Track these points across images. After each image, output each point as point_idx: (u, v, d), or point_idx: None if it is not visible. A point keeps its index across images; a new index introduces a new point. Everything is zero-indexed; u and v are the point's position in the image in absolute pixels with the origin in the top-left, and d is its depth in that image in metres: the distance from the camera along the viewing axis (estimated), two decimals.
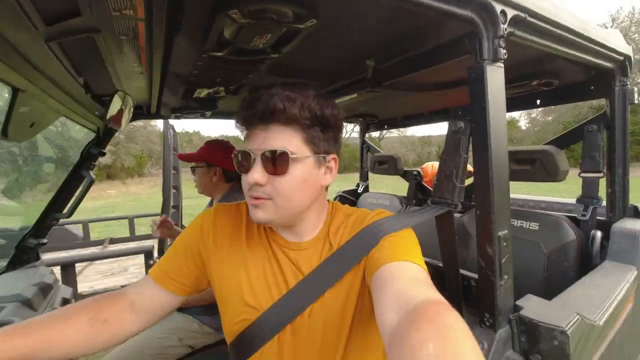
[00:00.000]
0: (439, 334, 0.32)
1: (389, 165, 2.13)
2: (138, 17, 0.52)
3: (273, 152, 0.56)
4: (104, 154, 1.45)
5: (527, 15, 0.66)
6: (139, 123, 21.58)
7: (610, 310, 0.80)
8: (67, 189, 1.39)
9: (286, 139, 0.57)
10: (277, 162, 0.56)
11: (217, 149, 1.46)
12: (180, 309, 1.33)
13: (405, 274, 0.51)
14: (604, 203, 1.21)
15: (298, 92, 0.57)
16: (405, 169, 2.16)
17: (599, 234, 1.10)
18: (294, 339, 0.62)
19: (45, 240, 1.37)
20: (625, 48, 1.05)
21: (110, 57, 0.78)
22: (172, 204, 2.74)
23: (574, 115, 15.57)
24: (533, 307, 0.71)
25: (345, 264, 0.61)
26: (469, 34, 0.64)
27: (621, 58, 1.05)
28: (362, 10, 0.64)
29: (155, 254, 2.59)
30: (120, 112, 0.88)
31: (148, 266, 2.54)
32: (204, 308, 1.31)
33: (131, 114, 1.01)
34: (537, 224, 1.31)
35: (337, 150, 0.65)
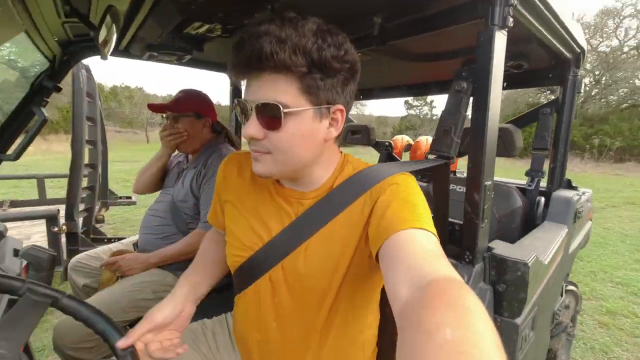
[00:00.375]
0: (457, 319, 0.31)
1: (362, 135, 2.20)
2: None
3: (265, 105, 0.52)
4: (59, 89, 1.26)
5: None
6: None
7: (551, 256, 0.99)
8: (13, 127, 1.20)
9: (279, 90, 0.51)
10: (269, 117, 0.52)
11: (203, 99, 1.37)
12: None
13: (417, 245, 0.48)
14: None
15: (293, 29, 0.48)
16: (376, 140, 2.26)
17: (542, 199, 1.32)
18: (285, 280, 0.65)
19: None
20: (583, 42, 1.22)
21: None
22: (85, 162, 2.44)
23: (512, 109, 17.44)
24: (501, 247, 0.85)
25: (334, 207, 0.61)
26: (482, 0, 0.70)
27: (578, 50, 1.22)
28: None
29: (62, 220, 2.24)
30: (110, 37, 0.78)
31: (52, 234, 2.17)
32: (182, 262, 1.28)
33: (113, 43, 0.89)
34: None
35: (348, 100, 0.58)
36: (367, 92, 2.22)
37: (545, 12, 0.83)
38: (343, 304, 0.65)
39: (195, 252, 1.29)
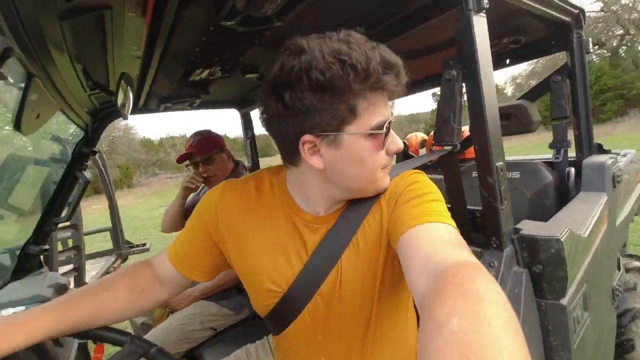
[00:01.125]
0: (464, 308, 0.30)
1: None
2: None
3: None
4: (95, 153, 1.42)
5: None
6: (118, 132, 20.67)
7: (591, 227, 0.93)
8: (62, 192, 1.36)
9: None
10: None
11: (212, 135, 1.51)
12: None
13: (433, 236, 0.48)
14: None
15: None
16: None
17: (572, 170, 1.25)
18: (326, 308, 0.62)
19: (47, 247, 1.33)
20: (579, 1, 1.18)
21: (112, 38, 0.79)
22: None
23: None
24: (530, 227, 0.81)
25: (355, 216, 0.60)
26: None
27: (576, 11, 1.18)
28: None
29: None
30: (127, 99, 0.89)
31: None
32: (222, 292, 1.35)
33: (131, 103, 1.01)
34: (518, 172, 1.45)
35: None
36: None
37: None
38: (386, 316, 0.64)
39: (228, 283, 1.36)
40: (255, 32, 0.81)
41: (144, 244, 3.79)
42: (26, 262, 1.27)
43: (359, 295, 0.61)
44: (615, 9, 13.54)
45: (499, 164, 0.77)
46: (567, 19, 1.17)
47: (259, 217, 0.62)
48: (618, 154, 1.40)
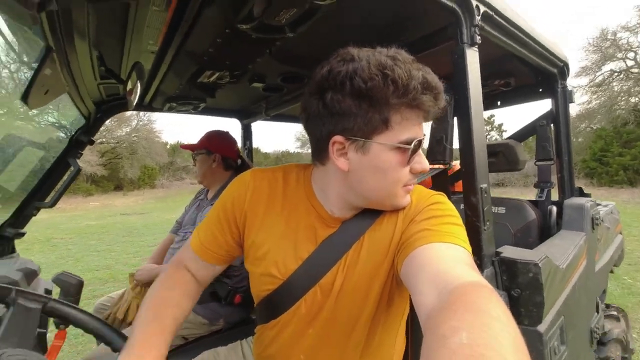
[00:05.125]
0: (474, 322, 0.30)
1: None
2: None
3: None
4: (93, 142, 1.43)
5: (494, 13, 0.83)
6: (142, 133, 20.64)
7: (569, 261, 0.96)
8: (51, 177, 1.34)
9: None
10: None
11: (216, 136, 1.51)
12: None
13: (446, 255, 0.48)
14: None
15: None
16: None
17: (554, 209, 1.30)
18: (322, 301, 0.63)
19: (24, 231, 1.29)
20: (564, 56, 1.30)
21: (132, 30, 0.84)
22: None
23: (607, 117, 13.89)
24: (510, 251, 0.84)
25: (369, 218, 0.62)
26: (451, 24, 0.80)
27: (561, 64, 1.29)
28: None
29: None
30: (135, 90, 0.92)
31: None
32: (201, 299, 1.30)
33: (138, 95, 1.04)
34: (504, 207, 1.49)
35: None
36: None
37: (512, 29, 0.92)
38: (377, 329, 0.64)
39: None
40: (268, 40, 0.87)
41: None
42: None
43: (356, 297, 0.61)
44: None
45: (483, 185, 0.80)
46: (552, 69, 1.28)
47: (281, 206, 0.65)
48: (599, 203, 1.47)
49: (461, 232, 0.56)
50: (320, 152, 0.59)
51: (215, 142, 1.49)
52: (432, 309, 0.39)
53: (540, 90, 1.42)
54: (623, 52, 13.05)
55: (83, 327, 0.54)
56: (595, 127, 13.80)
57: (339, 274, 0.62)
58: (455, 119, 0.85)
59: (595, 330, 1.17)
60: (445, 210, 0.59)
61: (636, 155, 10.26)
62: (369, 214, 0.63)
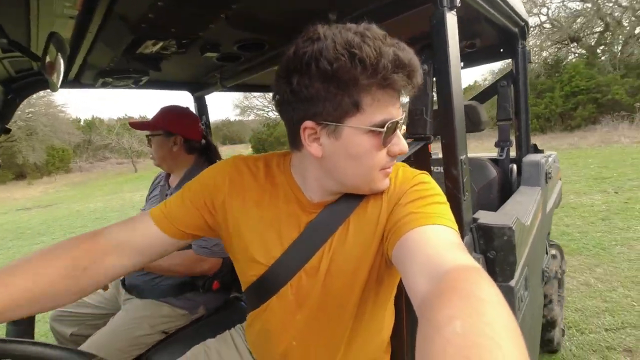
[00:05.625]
0: (468, 310, 0.31)
1: None
2: None
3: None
4: (8, 131, 1.17)
5: None
6: (39, 108, 17.36)
7: (531, 217, 1.04)
8: None
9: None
10: None
11: (175, 114, 1.30)
12: (145, 294, 1.21)
13: (435, 238, 0.48)
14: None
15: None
16: None
17: (514, 167, 1.39)
18: (309, 286, 0.62)
19: None
20: (525, 15, 1.30)
21: None
22: None
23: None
24: (486, 217, 0.88)
25: (352, 201, 0.61)
26: None
27: (522, 23, 1.30)
28: None
29: None
30: (56, 65, 0.73)
31: None
32: (172, 289, 1.22)
33: (62, 72, 0.84)
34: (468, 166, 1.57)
35: None
36: None
37: None
38: (367, 310, 0.64)
39: (181, 274, 1.23)
40: (222, 3, 0.73)
41: None
42: None
43: (344, 280, 0.61)
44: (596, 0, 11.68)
45: (463, 157, 0.81)
46: (514, 29, 1.28)
47: (262, 194, 0.64)
48: (548, 155, 1.60)
49: (446, 210, 0.56)
50: (294, 138, 0.57)
51: (175, 121, 1.28)
52: (424, 294, 0.39)
53: (502, 50, 1.44)
54: (538, 7, 13.53)
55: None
56: None
57: (324, 258, 0.61)
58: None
59: (545, 270, 1.34)
60: (430, 190, 0.59)
61: (547, 104, 11.15)
62: (353, 198, 0.62)
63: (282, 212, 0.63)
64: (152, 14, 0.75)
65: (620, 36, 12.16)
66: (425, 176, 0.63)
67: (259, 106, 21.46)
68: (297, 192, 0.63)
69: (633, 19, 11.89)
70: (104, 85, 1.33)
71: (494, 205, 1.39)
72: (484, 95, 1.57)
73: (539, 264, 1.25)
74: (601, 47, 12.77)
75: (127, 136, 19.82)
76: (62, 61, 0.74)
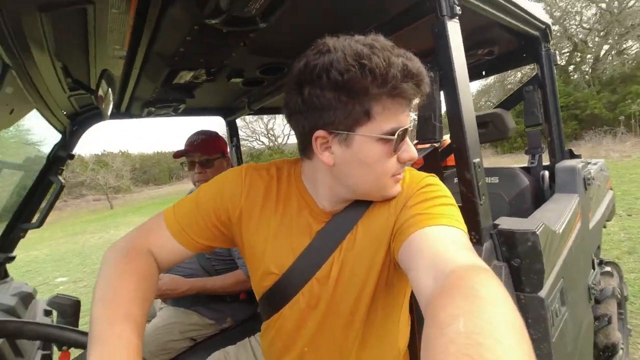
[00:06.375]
0: (470, 309, 0.31)
1: None
2: None
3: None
4: (72, 157, 1.37)
5: None
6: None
7: (565, 224, 0.97)
8: (34, 197, 1.30)
9: None
10: None
11: (217, 137, 1.46)
12: (177, 303, 1.30)
13: (442, 238, 0.48)
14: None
15: None
16: None
17: (547, 173, 1.31)
18: (321, 293, 0.63)
19: (13, 255, 1.26)
20: (546, 18, 1.27)
21: (94, 36, 0.79)
22: None
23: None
24: (508, 222, 0.84)
25: (361, 207, 0.62)
26: None
27: (543, 26, 1.27)
28: None
29: None
30: (107, 98, 0.87)
31: None
32: (202, 299, 1.30)
33: (111, 103, 0.99)
34: (497, 177, 1.50)
35: None
36: None
37: None
38: (378, 314, 0.64)
39: (232, 292, 1.29)
40: (240, 33, 0.83)
41: None
42: None
43: (354, 286, 0.61)
44: (558, 15, 12.32)
45: (476, 160, 0.79)
46: (535, 32, 1.25)
47: (276, 203, 0.64)
48: (589, 162, 1.48)
49: (454, 211, 0.56)
50: (305, 147, 0.59)
51: (224, 143, 1.46)
52: (430, 294, 0.39)
53: (524, 55, 1.40)
54: None
55: (35, 337, 0.50)
56: (493, 102, 14.85)
57: (334, 265, 0.62)
58: (442, 94, 0.83)
59: (592, 287, 1.20)
60: (437, 192, 0.59)
61: None
62: (361, 203, 0.63)
63: (295, 220, 0.63)
64: (183, 47, 0.87)
65: (589, 55, 12.96)
66: (432, 178, 0.63)
67: (242, 137, 21.91)
68: (309, 201, 0.63)
69: (597, 39, 13.25)
70: (149, 114, 1.52)
71: (528, 216, 1.30)
72: (509, 102, 1.52)
73: (581, 278, 1.13)
74: (572, 66, 13.54)
75: (103, 172, 17.77)
76: (111, 94, 0.88)
